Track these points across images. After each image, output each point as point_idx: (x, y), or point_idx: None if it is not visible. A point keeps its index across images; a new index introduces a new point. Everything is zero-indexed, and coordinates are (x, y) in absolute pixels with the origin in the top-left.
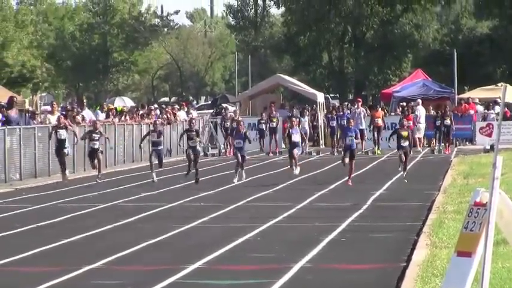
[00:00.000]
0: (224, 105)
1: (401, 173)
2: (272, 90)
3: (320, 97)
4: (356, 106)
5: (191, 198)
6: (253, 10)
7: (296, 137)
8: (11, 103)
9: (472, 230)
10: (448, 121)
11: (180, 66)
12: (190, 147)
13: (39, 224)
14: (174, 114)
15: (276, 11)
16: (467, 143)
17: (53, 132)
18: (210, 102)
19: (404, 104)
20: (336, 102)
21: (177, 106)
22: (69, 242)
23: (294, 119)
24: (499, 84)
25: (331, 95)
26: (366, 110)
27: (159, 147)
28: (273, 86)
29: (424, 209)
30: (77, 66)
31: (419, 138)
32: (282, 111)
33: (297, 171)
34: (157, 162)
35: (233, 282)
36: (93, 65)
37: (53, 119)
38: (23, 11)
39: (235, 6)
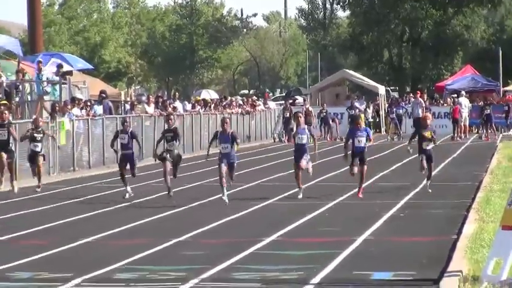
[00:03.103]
0: (296, 97)
1: (425, 182)
2: (339, 83)
3: (381, 89)
4: (415, 98)
5: (267, 178)
6: (322, 13)
7: (304, 138)
8: (101, 96)
9: None
10: (488, 111)
11: (257, 63)
12: (168, 151)
13: (132, 202)
14: (253, 106)
15: (342, 14)
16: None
17: None
18: (284, 94)
19: (455, 95)
20: (395, 94)
21: (255, 97)
22: (159, 218)
23: (300, 114)
24: None
25: (391, 87)
26: (425, 102)
27: (130, 151)
28: (339, 80)
29: (473, 188)
30: (166, 63)
31: (463, 125)
32: (347, 102)
33: (300, 195)
34: (128, 168)
35: (305, 253)
36: (181, 62)
37: (149, 110)
38: (118, 13)
39: (307, 10)
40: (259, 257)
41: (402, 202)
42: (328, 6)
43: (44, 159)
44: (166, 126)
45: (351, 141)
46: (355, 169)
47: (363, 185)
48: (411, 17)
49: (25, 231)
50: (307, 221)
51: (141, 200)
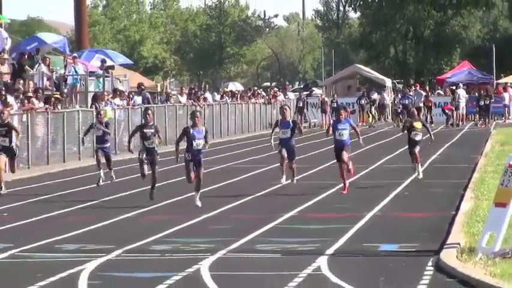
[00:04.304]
0: (313, 88)
1: (415, 174)
2: (350, 77)
3: (388, 82)
4: (415, 89)
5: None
6: (336, 14)
7: (288, 132)
8: (140, 87)
9: (507, 186)
10: (486, 101)
11: (278, 58)
12: (146, 149)
13: (168, 181)
14: (275, 96)
15: (353, 15)
16: (503, 118)
17: None
18: (302, 86)
19: (454, 87)
20: (401, 86)
21: (276, 89)
22: (191, 196)
23: (286, 107)
24: None
25: (397, 80)
26: (427, 92)
27: (106, 145)
28: (351, 73)
29: (469, 169)
30: (198, 58)
31: (461, 114)
32: (358, 93)
33: (283, 179)
34: (104, 161)
35: (320, 227)
36: (211, 57)
37: (182, 100)
38: (155, 14)
39: (322, 11)
40: (280, 230)
41: (406, 182)
42: (341, 8)
43: (15, 156)
44: (143, 122)
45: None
46: (345, 162)
47: (347, 182)
48: (415, 18)
49: (71, 208)
50: (321, 199)
51: (178, 179)
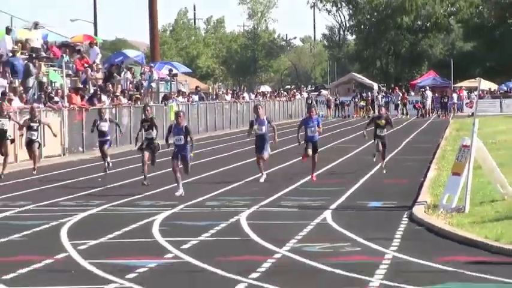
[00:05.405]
0: (321, 90)
1: (380, 164)
2: (348, 82)
3: (375, 86)
4: (394, 92)
5: (290, 146)
6: (337, 37)
7: (263, 129)
8: (197, 89)
9: (461, 161)
10: (445, 99)
11: (296, 68)
12: (146, 139)
13: (215, 157)
14: (293, 95)
15: (350, 37)
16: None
17: None
18: (313, 88)
19: (423, 89)
20: (384, 89)
21: (294, 90)
22: (228, 168)
23: (259, 107)
24: (477, 79)
25: (381, 84)
26: (403, 94)
27: (107, 138)
28: (348, 79)
29: (434, 148)
30: (238, 68)
31: (427, 109)
32: (352, 94)
33: (262, 178)
34: (103, 155)
35: (325, 189)
36: (248, 68)
37: (227, 98)
38: (208, 36)
39: (328, 35)
40: (297, 191)
41: (387, 158)
42: (341, 32)
43: (39, 147)
44: (143, 116)
45: (303, 128)
46: (309, 152)
47: (315, 171)
48: (394, 40)
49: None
50: (327, 169)
51: (219, 155)
